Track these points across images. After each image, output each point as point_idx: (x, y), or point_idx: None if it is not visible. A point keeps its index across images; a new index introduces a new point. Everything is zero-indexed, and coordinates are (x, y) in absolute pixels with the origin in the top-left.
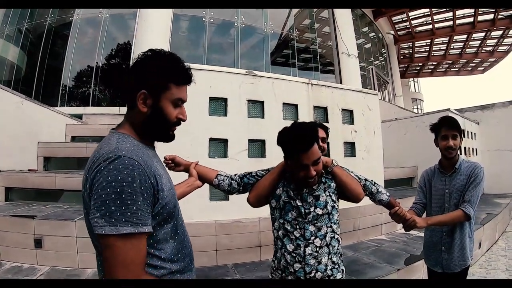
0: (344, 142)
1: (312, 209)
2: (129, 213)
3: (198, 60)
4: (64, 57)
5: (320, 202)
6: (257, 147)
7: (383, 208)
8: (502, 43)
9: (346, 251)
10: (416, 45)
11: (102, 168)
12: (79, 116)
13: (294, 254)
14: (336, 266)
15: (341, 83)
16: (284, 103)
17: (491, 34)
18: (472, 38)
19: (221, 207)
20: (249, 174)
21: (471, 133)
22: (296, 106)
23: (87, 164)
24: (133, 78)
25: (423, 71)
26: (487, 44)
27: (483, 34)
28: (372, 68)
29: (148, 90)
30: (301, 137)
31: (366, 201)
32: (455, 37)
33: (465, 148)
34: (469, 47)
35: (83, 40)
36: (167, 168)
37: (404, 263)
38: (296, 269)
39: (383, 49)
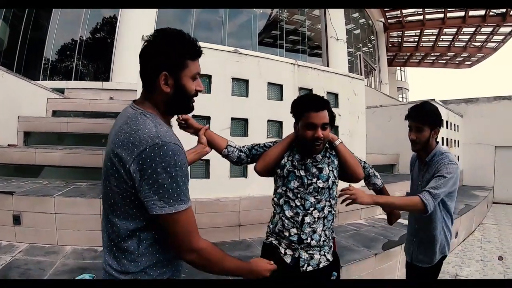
0: None
1: (314, 180)
2: (182, 193)
3: None
4: (48, 30)
5: (323, 175)
6: (240, 126)
7: None
8: (491, 40)
9: None
10: (405, 34)
11: (152, 154)
12: (61, 91)
13: (292, 220)
14: (327, 240)
15: (328, 67)
16: (269, 83)
17: (481, 30)
18: (462, 32)
19: (202, 185)
20: (257, 145)
21: (454, 125)
22: (281, 86)
23: (119, 137)
24: (150, 61)
25: (411, 60)
26: (477, 40)
27: (473, 29)
28: (360, 54)
29: (168, 70)
30: (316, 98)
31: (344, 183)
32: (445, 30)
33: (447, 139)
34: (458, 40)
35: (68, 13)
36: None
37: (381, 248)
38: (292, 234)
39: (372, 36)
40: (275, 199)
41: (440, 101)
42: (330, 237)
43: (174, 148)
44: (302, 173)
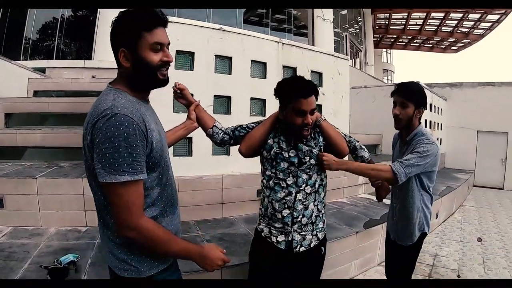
0: None
1: (307, 158)
2: (125, 164)
3: (168, 13)
4: (27, 9)
5: (314, 154)
6: (223, 103)
7: (346, 172)
8: (479, 27)
9: None
10: (393, 17)
11: (101, 124)
12: (42, 70)
13: (284, 201)
14: (320, 215)
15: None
16: (252, 61)
17: (469, 16)
18: (449, 18)
19: (184, 163)
20: (240, 127)
21: (438, 108)
22: (265, 64)
23: (87, 117)
24: (111, 41)
25: (397, 43)
26: (464, 26)
27: (460, 15)
28: (346, 35)
29: (125, 46)
30: (305, 83)
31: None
32: (432, 14)
33: (430, 122)
34: (445, 25)
35: None
36: (159, 121)
37: (363, 226)
38: (284, 215)
39: (359, 17)
40: (264, 181)
41: (425, 84)
42: (323, 211)
43: (122, 119)
44: (292, 153)
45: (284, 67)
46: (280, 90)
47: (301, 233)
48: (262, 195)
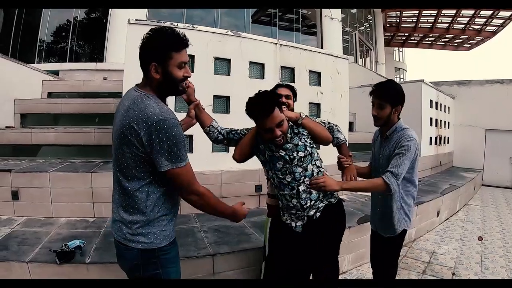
0: (310, 103)
1: (295, 154)
2: (181, 154)
3: (177, 16)
4: (42, 11)
5: (300, 147)
6: (222, 103)
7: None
8: (491, 23)
9: None
10: (403, 14)
11: (159, 128)
12: (55, 72)
13: (289, 194)
14: (325, 195)
15: (322, 46)
16: (251, 62)
17: (481, 13)
18: (460, 15)
19: None
20: (234, 131)
21: (445, 106)
22: (263, 65)
23: (129, 115)
24: (143, 55)
25: (409, 41)
26: (476, 23)
27: (472, 11)
28: (355, 34)
29: (156, 61)
30: (261, 106)
31: (327, 161)
32: (443, 11)
33: (436, 120)
34: (457, 23)
35: None
36: None
37: (356, 222)
38: (294, 203)
39: (369, 16)
40: (272, 180)
41: (433, 82)
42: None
43: (174, 122)
44: (282, 153)
45: (282, 67)
46: (247, 112)
47: (313, 208)
48: (275, 190)
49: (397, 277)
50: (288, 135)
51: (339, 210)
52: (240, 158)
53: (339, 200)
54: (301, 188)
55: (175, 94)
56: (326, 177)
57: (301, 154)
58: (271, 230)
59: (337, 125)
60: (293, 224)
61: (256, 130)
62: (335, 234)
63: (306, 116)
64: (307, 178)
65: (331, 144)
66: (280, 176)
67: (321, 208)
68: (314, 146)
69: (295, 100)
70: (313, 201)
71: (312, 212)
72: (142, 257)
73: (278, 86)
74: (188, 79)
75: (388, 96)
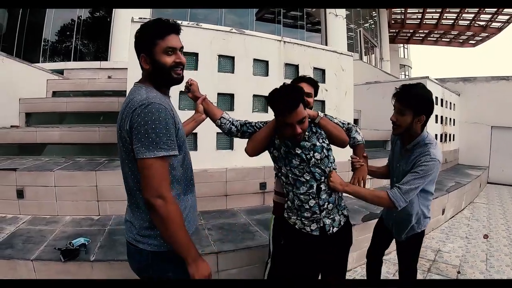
0: (314, 100)
1: (311, 153)
2: (161, 142)
3: (181, 15)
4: (46, 11)
5: (317, 147)
6: (226, 101)
7: (351, 167)
8: (496, 20)
9: None
10: (408, 11)
11: (139, 111)
12: (60, 72)
13: (307, 193)
14: (341, 197)
15: (326, 43)
16: (255, 59)
17: (486, 9)
18: (466, 11)
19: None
20: (249, 124)
21: (450, 103)
22: (267, 62)
23: (123, 110)
24: (135, 48)
25: (414, 38)
26: (481, 19)
27: (477, 8)
28: (360, 31)
29: (144, 52)
30: (286, 100)
31: (338, 159)
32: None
33: (441, 117)
34: (462, 19)
35: None
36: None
37: (361, 219)
38: (311, 205)
39: (373, 12)
40: (283, 178)
41: (438, 79)
42: (341, 194)
43: (157, 107)
44: (298, 151)
45: (286, 64)
46: (270, 104)
47: (329, 217)
48: (284, 189)
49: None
50: (307, 133)
51: (350, 233)
52: (253, 152)
53: (348, 218)
54: (322, 187)
55: (171, 82)
56: (334, 173)
57: (317, 156)
58: (274, 229)
59: (356, 125)
60: (307, 228)
61: (274, 124)
62: (346, 248)
63: (325, 115)
64: (326, 179)
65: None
66: (298, 174)
67: (337, 223)
68: (331, 148)
69: (316, 96)
70: (331, 205)
71: (328, 222)
72: (151, 259)
73: (301, 79)
74: (192, 77)
75: (410, 102)
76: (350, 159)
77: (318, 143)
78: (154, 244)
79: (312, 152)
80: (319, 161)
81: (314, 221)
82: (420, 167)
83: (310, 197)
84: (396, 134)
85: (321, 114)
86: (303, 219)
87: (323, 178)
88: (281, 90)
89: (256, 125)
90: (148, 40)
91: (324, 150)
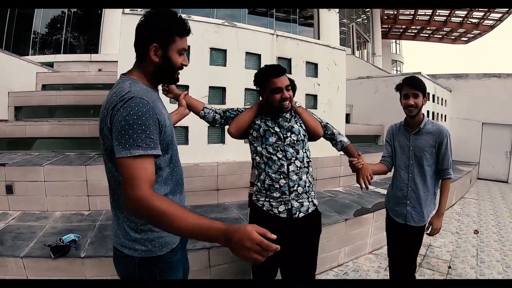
0: (306, 94)
1: (288, 134)
2: (139, 140)
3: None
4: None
5: (295, 129)
6: (218, 94)
7: (342, 161)
8: (489, 17)
9: None
10: None
11: (119, 107)
12: (50, 64)
13: (279, 172)
14: (311, 186)
15: (319, 37)
16: (247, 52)
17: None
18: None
19: (181, 151)
20: (231, 109)
21: (442, 99)
22: (259, 56)
23: (105, 104)
24: (144, 33)
25: (406, 34)
26: (473, 16)
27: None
28: (352, 25)
29: (158, 43)
30: (275, 66)
31: (326, 152)
32: None
33: (433, 113)
34: (455, 16)
35: None
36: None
37: (353, 214)
38: (281, 184)
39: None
40: (257, 158)
41: (430, 75)
42: (313, 183)
43: (138, 101)
44: (277, 129)
45: (279, 58)
46: (257, 78)
47: (298, 201)
48: (257, 171)
49: None
50: (287, 116)
51: (319, 221)
52: (236, 132)
53: (317, 208)
54: (291, 168)
55: (171, 81)
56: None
57: (294, 137)
58: (251, 222)
59: (336, 128)
60: (275, 210)
61: (257, 108)
62: (315, 235)
63: (301, 106)
64: (298, 161)
65: (321, 138)
66: (271, 151)
67: (304, 208)
68: (306, 136)
69: (293, 95)
70: (301, 188)
71: (296, 205)
72: (138, 265)
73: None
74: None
75: (420, 86)
76: (349, 162)
77: (296, 126)
78: (142, 249)
79: (289, 133)
80: (294, 142)
81: (283, 202)
82: (446, 145)
83: (281, 176)
84: (413, 115)
85: (298, 104)
86: (271, 200)
87: (293, 159)
88: (265, 65)
89: (239, 109)
90: (167, 33)
91: (301, 134)
